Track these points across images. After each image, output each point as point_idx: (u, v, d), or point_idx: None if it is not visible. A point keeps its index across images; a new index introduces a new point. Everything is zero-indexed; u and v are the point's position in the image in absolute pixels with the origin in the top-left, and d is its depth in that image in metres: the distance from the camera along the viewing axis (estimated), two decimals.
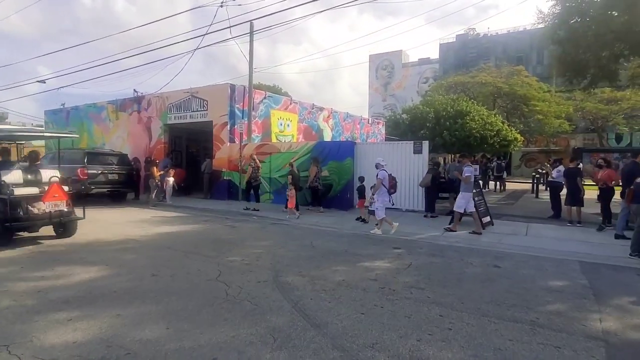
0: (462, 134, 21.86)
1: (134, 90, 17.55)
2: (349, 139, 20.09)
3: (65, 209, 7.46)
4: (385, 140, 23.16)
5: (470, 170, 8.58)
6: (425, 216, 10.68)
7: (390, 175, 8.72)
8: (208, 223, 9.81)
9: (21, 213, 6.85)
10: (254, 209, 11.48)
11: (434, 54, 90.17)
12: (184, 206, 12.88)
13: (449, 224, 9.12)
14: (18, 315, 3.85)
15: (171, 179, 13.57)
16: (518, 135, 26.28)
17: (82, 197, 12.92)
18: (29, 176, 7.35)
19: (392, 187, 8.69)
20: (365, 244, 7.55)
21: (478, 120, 23.28)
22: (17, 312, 3.93)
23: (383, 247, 7.22)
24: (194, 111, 15.51)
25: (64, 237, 7.73)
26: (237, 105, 14.84)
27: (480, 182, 12.54)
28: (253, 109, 15.28)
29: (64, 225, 7.72)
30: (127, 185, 13.89)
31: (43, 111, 24.69)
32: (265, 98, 16.14)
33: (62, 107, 22.50)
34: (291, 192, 10.70)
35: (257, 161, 12.03)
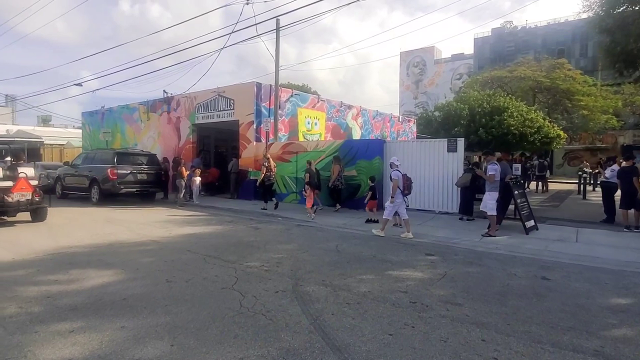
0: (499, 131, 20.69)
1: (164, 91, 17.79)
2: (378, 138, 19.44)
3: (37, 199, 9.25)
4: (417, 139, 22.25)
5: (494, 169, 7.97)
6: (460, 219, 9.95)
7: (404, 175, 8.30)
8: (232, 224, 9.56)
9: None
10: (263, 208, 11.36)
11: (468, 50, 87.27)
12: (210, 206, 12.76)
13: (488, 227, 8.41)
14: (20, 325, 3.63)
15: (198, 179, 13.51)
16: (561, 132, 24.66)
17: (113, 195, 13.24)
18: (8, 172, 9.07)
19: (406, 187, 8.24)
20: (395, 249, 7.01)
21: (517, 117, 22.05)
22: (21, 321, 3.72)
23: (414, 253, 6.64)
24: (220, 110, 15.43)
25: (37, 221, 9.40)
26: (263, 104, 14.60)
27: (523, 182, 11.58)
28: (279, 108, 15.00)
29: (34, 212, 9.42)
30: (155, 185, 13.98)
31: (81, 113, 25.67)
32: (292, 96, 15.83)
33: (99, 109, 23.22)
34: (308, 192, 10.48)
35: (271, 161, 11.80)
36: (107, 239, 7.56)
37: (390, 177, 8.28)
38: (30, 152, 34.05)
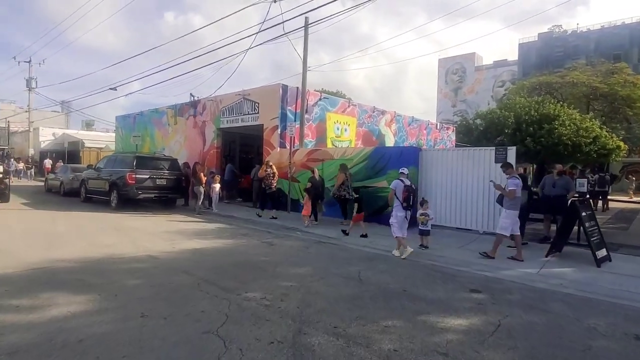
0: (548, 141, 18.75)
1: (190, 94, 17.37)
2: (413, 145, 18.02)
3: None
4: (457, 147, 20.57)
5: (515, 183, 6.77)
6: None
7: (407, 186, 7.16)
8: (245, 238, 8.60)
9: None
10: (259, 215, 10.90)
11: (511, 56, 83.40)
12: (229, 216, 11.93)
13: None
14: None
15: (217, 186, 12.75)
16: (621, 143, 22.11)
17: (132, 201, 12.73)
18: None
19: (405, 199, 7.05)
20: (430, 280, 5.73)
21: (569, 126, 19.98)
22: None
23: (455, 289, 5.34)
24: (245, 114, 14.70)
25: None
26: (289, 108, 13.70)
27: (590, 201, 9.76)
28: (306, 112, 14.04)
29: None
30: (175, 191, 13.36)
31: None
32: (320, 99, 14.84)
33: (131, 113, 23.35)
34: (306, 199, 10.16)
35: (274, 167, 11.47)
36: (102, 251, 6.79)
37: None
38: (71, 154, 35.17)
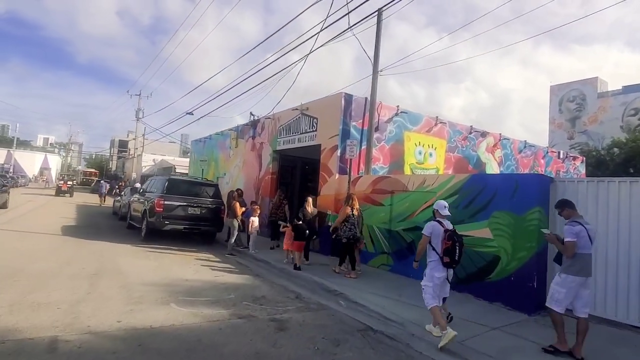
0: None
1: (250, 113, 15.40)
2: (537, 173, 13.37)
3: None
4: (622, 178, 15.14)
5: (575, 232, 4.31)
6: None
7: (449, 231, 4.73)
8: (256, 308, 5.48)
9: None
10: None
11: None
12: (263, 260, 9.02)
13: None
14: None
15: (256, 220, 10.02)
16: None
17: (161, 232, 10.67)
18: None
19: (447, 253, 4.61)
20: None
21: None
22: None
23: None
24: (302, 133, 11.99)
25: None
26: (353, 123, 10.60)
27: None
28: (377, 129, 10.78)
29: None
30: (212, 223, 10.98)
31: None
32: (397, 115, 11.47)
33: (203, 137, 22.68)
34: (287, 231, 8.54)
35: (310, 203, 9.28)
36: (5, 322, 4.28)
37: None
38: None
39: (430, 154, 12.17)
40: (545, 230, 4.90)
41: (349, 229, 7.65)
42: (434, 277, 4.66)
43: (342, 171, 10.21)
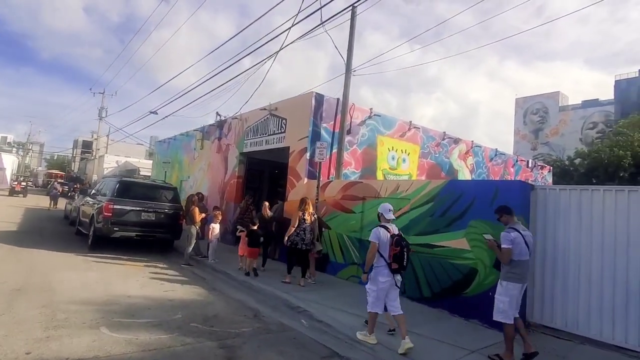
0: None
1: (217, 113, 14.51)
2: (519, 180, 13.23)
3: None
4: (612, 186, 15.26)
5: (511, 239, 4.35)
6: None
7: (396, 236, 4.60)
8: (206, 333, 4.71)
9: None
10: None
11: (604, 95, 74.28)
12: (224, 272, 8.20)
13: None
14: None
15: (217, 227, 9.20)
16: None
17: (110, 239, 9.63)
18: None
19: (396, 259, 4.49)
20: None
21: None
22: None
23: None
24: (270, 134, 11.29)
25: None
26: (324, 125, 10.02)
27: None
28: (349, 132, 10.26)
29: None
30: (168, 230, 10.03)
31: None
32: (370, 117, 10.99)
33: (167, 138, 21.51)
34: (242, 235, 8.20)
35: (267, 207, 8.87)
36: None
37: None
38: None
39: (404, 160, 11.76)
40: (486, 236, 4.81)
41: (297, 233, 7.23)
42: (379, 282, 4.50)
43: (311, 175, 9.58)
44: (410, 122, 12.11)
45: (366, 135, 10.89)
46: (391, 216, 4.72)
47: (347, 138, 10.18)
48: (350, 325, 5.12)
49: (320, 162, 8.73)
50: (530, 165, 17.32)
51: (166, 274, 7.73)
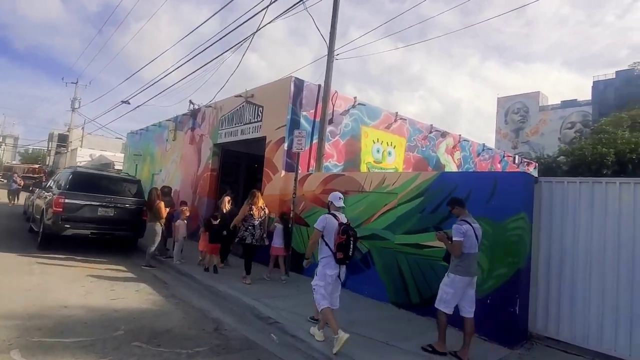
0: None
1: (190, 101, 13.47)
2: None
3: None
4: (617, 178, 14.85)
5: (462, 231, 4.24)
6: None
7: (344, 225, 4.37)
8: (149, 356, 3.85)
9: None
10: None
11: (582, 96, 75.94)
12: (189, 275, 7.29)
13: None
14: None
15: (183, 224, 8.27)
16: None
17: (61, 237, 8.58)
18: None
19: (341, 247, 4.24)
20: None
21: None
22: None
23: None
24: (246, 124, 10.38)
25: None
26: (304, 113, 9.19)
27: None
28: (331, 121, 9.46)
29: None
30: (131, 227, 9.03)
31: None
32: (354, 107, 10.22)
33: (140, 129, 20.28)
34: (202, 231, 8.00)
35: (226, 202, 8.31)
36: None
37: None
38: None
39: (389, 153, 11.04)
40: (439, 229, 4.79)
41: (246, 228, 6.81)
42: (327, 276, 4.30)
43: (289, 168, 8.74)
44: (397, 113, 11.40)
45: (349, 125, 10.12)
46: (341, 204, 4.58)
47: (329, 128, 9.38)
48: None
49: (298, 153, 7.90)
50: (517, 161, 16.92)
51: (120, 278, 6.78)
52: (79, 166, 11.27)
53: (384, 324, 5.13)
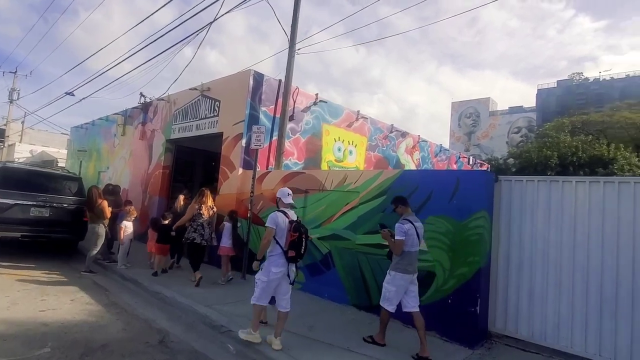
0: None
1: (141, 94, 12.60)
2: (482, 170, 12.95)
3: None
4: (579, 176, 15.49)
5: (404, 230, 4.35)
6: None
7: (294, 222, 4.21)
8: None
9: None
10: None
11: (527, 103, 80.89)
12: (134, 280, 6.69)
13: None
14: None
15: (129, 225, 7.61)
16: None
17: None
18: None
19: (293, 246, 4.10)
20: None
21: (629, 171, 16.03)
22: None
23: None
24: (202, 118, 9.82)
25: None
26: (263, 109, 8.81)
27: None
28: (292, 118, 9.16)
29: None
30: (69, 229, 8.19)
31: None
32: (315, 104, 9.98)
33: (85, 123, 18.83)
34: (150, 231, 7.63)
35: (181, 200, 8.06)
36: None
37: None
38: None
39: (351, 152, 10.92)
40: (383, 225, 4.78)
41: (194, 229, 6.55)
42: (271, 272, 4.12)
43: (247, 165, 8.33)
44: (358, 111, 11.30)
45: (311, 123, 9.86)
46: (290, 201, 4.43)
47: (290, 125, 9.08)
48: (288, 345, 4.04)
49: (257, 150, 7.52)
50: (471, 162, 17.48)
51: (54, 286, 6.07)
52: (8, 161, 10.13)
53: (345, 327, 4.91)
